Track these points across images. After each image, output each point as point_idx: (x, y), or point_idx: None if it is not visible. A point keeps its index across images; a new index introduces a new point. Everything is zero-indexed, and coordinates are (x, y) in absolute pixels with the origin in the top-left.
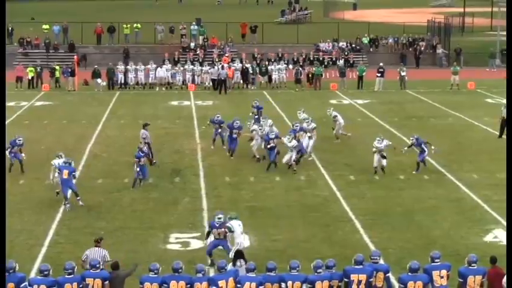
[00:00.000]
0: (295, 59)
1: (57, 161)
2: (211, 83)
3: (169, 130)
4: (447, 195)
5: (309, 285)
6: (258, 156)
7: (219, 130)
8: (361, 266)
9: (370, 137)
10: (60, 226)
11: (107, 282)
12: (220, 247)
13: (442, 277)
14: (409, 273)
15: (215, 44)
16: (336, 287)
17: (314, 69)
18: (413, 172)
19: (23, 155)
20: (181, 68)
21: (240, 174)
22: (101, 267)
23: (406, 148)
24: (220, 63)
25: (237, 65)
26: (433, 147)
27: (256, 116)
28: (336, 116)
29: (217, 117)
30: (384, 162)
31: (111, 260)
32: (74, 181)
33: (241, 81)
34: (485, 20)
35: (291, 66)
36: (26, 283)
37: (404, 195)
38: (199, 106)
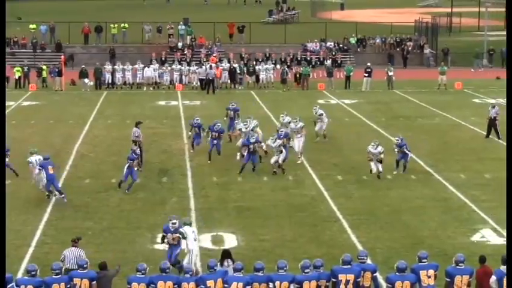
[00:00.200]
0: (282, 59)
1: (34, 158)
2: (198, 83)
3: (156, 130)
4: (434, 195)
5: (297, 285)
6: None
7: (202, 134)
8: (349, 266)
9: (358, 137)
10: (47, 226)
11: (94, 282)
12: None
13: (429, 277)
14: (397, 273)
15: (203, 43)
16: (323, 287)
17: (301, 69)
18: (394, 172)
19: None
20: (169, 68)
21: (227, 174)
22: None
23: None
24: (208, 63)
25: (225, 65)
26: (411, 155)
27: (232, 118)
28: (322, 114)
29: (197, 120)
30: (380, 167)
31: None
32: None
33: (229, 81)
34: (473, 20)
35: (278, 66)
36: (13, 283)
37: (392, 195)
38: (187, 106)
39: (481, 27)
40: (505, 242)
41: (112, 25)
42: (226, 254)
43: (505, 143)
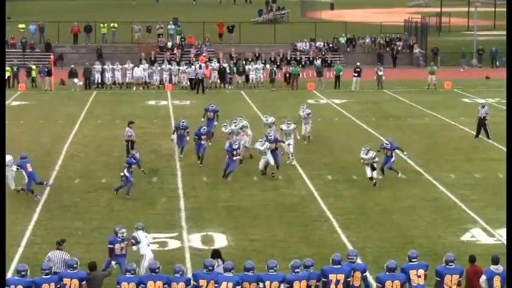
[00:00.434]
0: (272, 59)
1: (8, 158)
2: (188, 83)
3: (146, 130)
4: (424, 194)
5: (287, 285)
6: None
7: (186, 137)
8: (339, 266)
9: (348, 137)
10: (37, 226)
11: (84, 282)
12: (114, 263)
13: (419, 276)
14: (387, 273)
15: (192, 43)
16: (314, 286)
17: (291, 69)
18: (380, 177)
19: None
20: (159, 68)
21: (217, 174)
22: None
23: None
24: (198, 63)
25: (214, 64)
26: (405, 153)
27: (211, 119)
28: (309, 113)
29: (183, 122)
30: (375, 173)
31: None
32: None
33: (219, 81)
34: (462, 19)
35: (268, 66)
36: None
37: (382, 195)
38: (177, 106)
39: (470, 27)
40: (495, 242)
41: (101, 25)
42: (216, 254)
43: (495, 143)
